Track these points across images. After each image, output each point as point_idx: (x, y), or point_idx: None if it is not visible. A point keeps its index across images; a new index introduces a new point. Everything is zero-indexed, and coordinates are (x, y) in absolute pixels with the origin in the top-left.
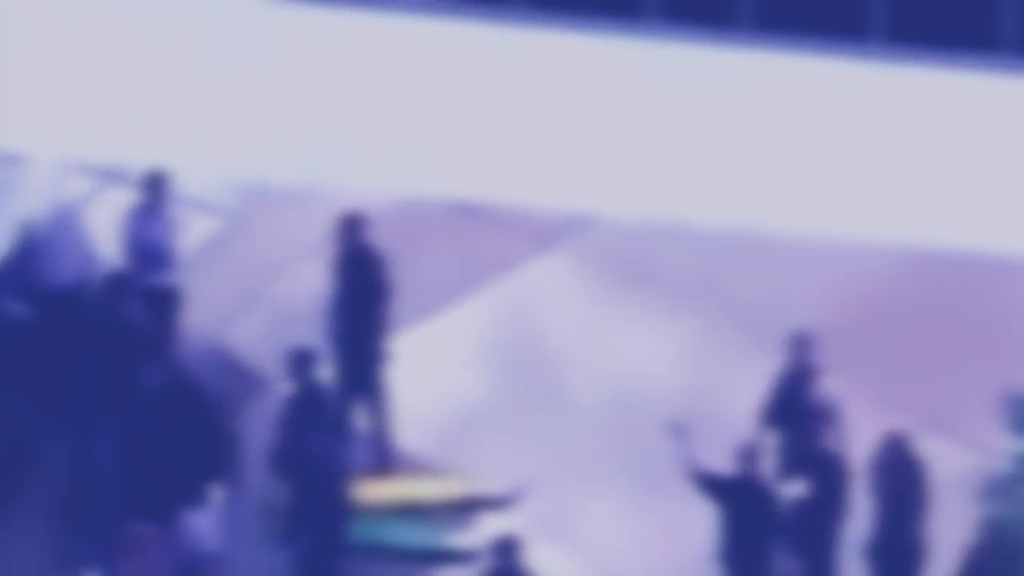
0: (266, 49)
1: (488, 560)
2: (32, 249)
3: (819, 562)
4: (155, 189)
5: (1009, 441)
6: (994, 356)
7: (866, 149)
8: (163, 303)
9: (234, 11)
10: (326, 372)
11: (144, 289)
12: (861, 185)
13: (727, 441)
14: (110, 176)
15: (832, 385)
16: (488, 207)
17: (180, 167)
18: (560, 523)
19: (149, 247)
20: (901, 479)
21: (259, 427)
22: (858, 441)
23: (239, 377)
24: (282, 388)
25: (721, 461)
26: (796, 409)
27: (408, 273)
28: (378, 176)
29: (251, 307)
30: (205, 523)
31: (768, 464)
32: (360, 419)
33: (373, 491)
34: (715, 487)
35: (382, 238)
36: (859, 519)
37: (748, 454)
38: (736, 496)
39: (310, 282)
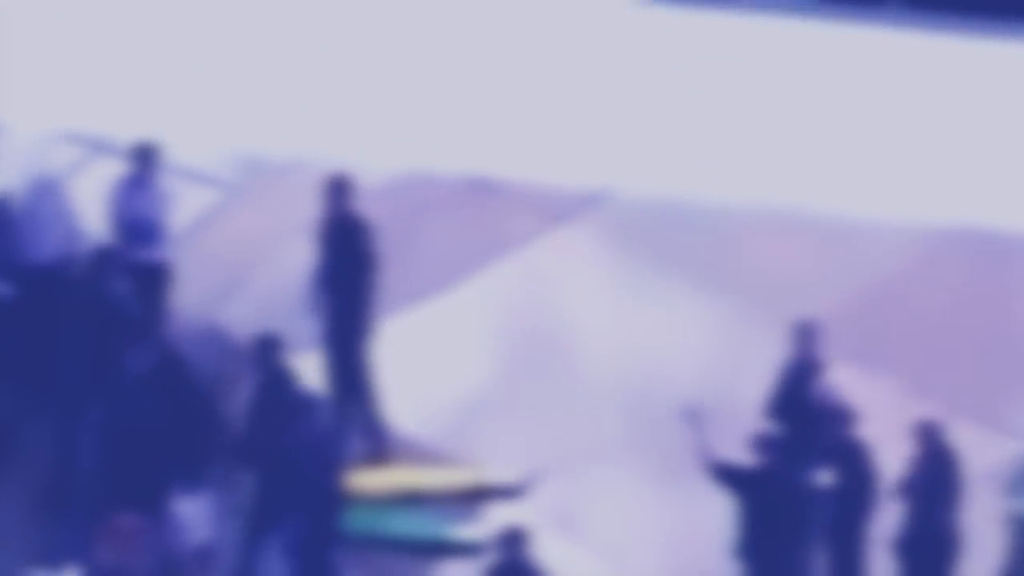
0: (270, 14)
1: (494, 553)
2: (12, 223)
3: (845, 557)
4: (144, 160)
5: None
6: None
7: (890, 124)
8: (152, 280)
9: None
10: (302, 358)
11: (131, 266)
12: (885, 161)
13: (746, 428)
14: (97, 146)
15: (855, 373)
16: (501, 182)
17: (173, 136)
18: (572, 514)
19: (137, 221)
20: (932, 470)
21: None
22: (886, 431)
23: (233, 359)
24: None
25: (740, 449)
26: (801, 403)
27: (417, 249)
28: (388, 150)
29: (246, 285)
30: (195, 513)
31: (789, 454)
32: (346, 399)
33: (372, 479)
34: (732, 478)
35: (390, 212)
36: (888, 512)
37: (767, 443)
38: (755, 487)
39: (311, 259)
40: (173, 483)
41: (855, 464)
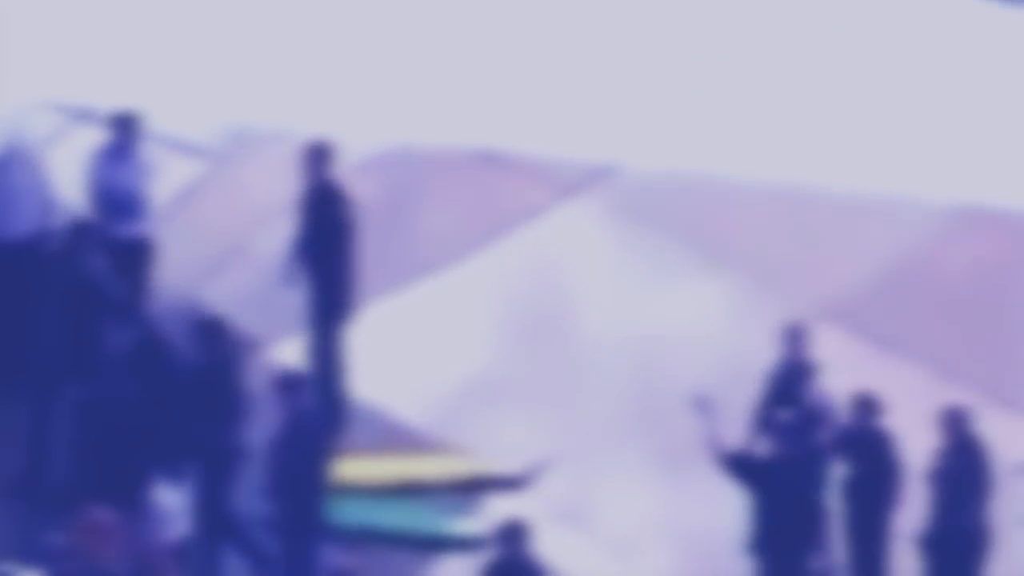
0: None
1: (493, 549)
2: None
3: (868, 554)
4: (125, 129)
5: None
6: None
7: (907, 97)
8: (132, 256)
9: None
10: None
11: (111, 241)
12: (900, 136)
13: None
14: (74, 115)
15: (875, 357)
16: (508, 155)
17: (156, 104)
18: (578, 506)
19: (117, 193)
20: (960, 461)
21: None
22: (910, 419)
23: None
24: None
25: (752, 437)
26: (791, 408)
27: (419, 223)
28: (396, 123)
29: (234, 261)
30: (176, 505)
31: (804, 443)
32: (325, 377)
33: (365, 469)
34: (745, 469)
35: (390, 185)
36: (913, 506)
37: (782, 431)
38: (768, 478)
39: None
40: (152, 473)
41: (878, 455)
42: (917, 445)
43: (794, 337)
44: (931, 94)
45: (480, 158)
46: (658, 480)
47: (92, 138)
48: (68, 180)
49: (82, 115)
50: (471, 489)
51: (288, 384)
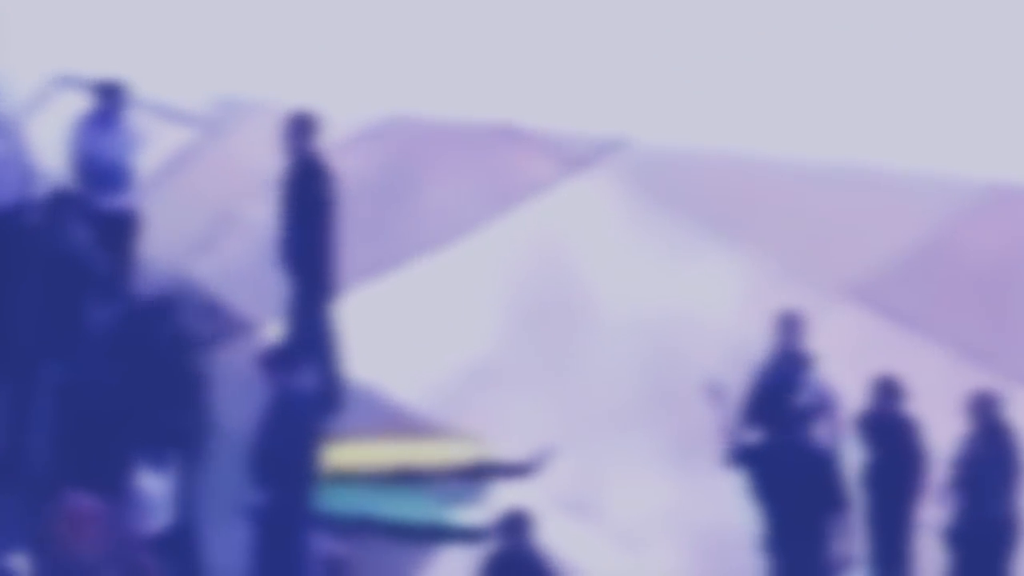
0: None
1: (495, 540)
2: None
3: (891, 545)
4: (111, 96)
5: None
6: None
7: (935, 71)
8: (117, 229)
9: None
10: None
11: (94, 213)
12: (929, 110)
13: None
14: (58, 81)
15: (899, 339)
16: (516, 127)
17: (146, 70)
18: (585, 495)
19: (102, 163)
20: (988, 448)
21: (232, 378)
22: (936, 404)
23: (209, 318)
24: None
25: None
26: (784, 399)
27: (424, 197)
28: (404, 95)
29: (225, 235)
30: (160, 493)
31: (822, 433)
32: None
33: (363, 455)
34: (758, 461)
35: (398, 157)
36: (938, 496)
37: (799, 420)
38: (785, 472)
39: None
40: (136, 458)
41: (901, 441)
42: (942, 431)
43: (789, 325)
44: (958, 70)
45: (485, 130)
46: (669, 470)
47: (75, 105)
48: (50, 149)
49: (65, 81)
50: (473, 477)
51: (272, 362)
